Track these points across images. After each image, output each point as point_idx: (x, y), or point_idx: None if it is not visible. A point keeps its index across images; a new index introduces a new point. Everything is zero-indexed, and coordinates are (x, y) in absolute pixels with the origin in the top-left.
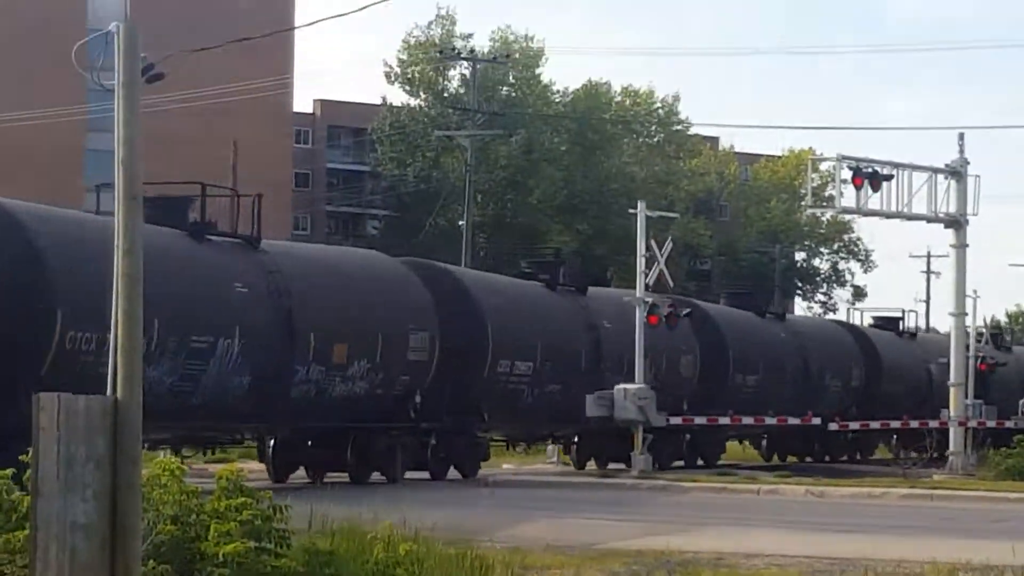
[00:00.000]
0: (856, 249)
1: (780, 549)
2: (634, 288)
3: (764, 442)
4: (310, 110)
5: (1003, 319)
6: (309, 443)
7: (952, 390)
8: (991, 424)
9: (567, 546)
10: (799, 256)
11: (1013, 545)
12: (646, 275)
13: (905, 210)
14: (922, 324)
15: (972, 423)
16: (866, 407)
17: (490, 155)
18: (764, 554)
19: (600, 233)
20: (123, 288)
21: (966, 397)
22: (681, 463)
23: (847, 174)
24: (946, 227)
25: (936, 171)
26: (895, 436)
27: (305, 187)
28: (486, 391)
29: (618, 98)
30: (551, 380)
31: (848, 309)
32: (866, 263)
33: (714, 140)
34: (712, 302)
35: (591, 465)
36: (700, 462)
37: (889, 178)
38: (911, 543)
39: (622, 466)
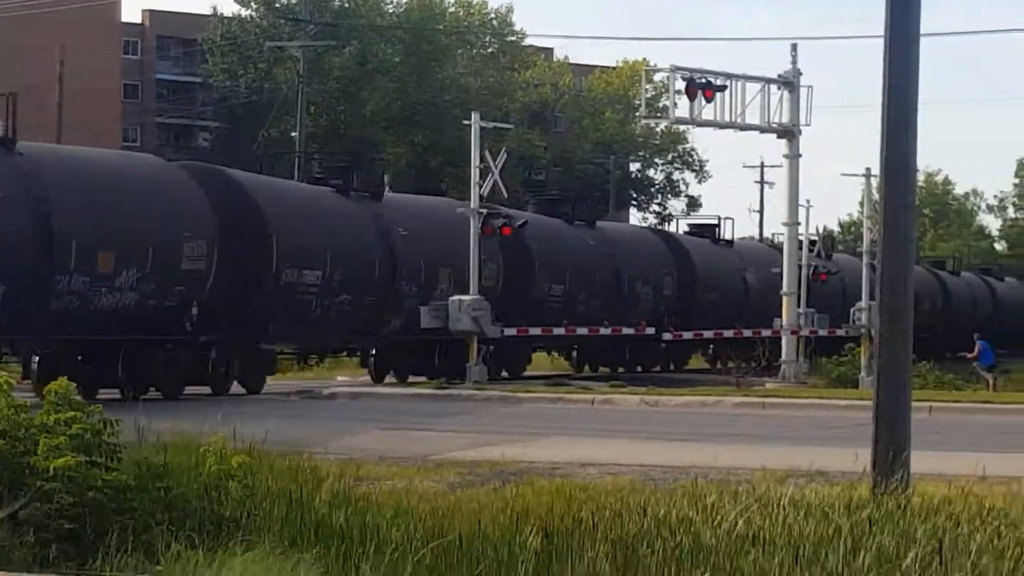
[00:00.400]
0: (691, 160)
1: (615, 458)
2: (469, 200)
3: (575, 353)
4: (139, 20)
5: (836, 229)
6: (79, 358)
7: (784, 299)
8: (823, 332)
9: (402, 457)
10: (634, 167)
11: (843, 451)
12: (480, 186)
13: (739, 120)
14: (754, 233)
15: (804, 332)
16: (681, 316)
17: (323, 66)
18: (599, 463)
19: (435, 145)
20: None
21: (798, 306)
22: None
23: (681, 85)
24: (779, 137)
25: (769, 81)
26: (711, 346)
27: (135, 98)
28: (271, 302)
29: (452, 8)
30: (342, 291)
31: (664, 219)
32: (700, 174)
33: (548, 51)
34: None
35: (390, 378)
36: (505, 374)
37: (723, 88)
38: (744, 450)
39: (423, 379)
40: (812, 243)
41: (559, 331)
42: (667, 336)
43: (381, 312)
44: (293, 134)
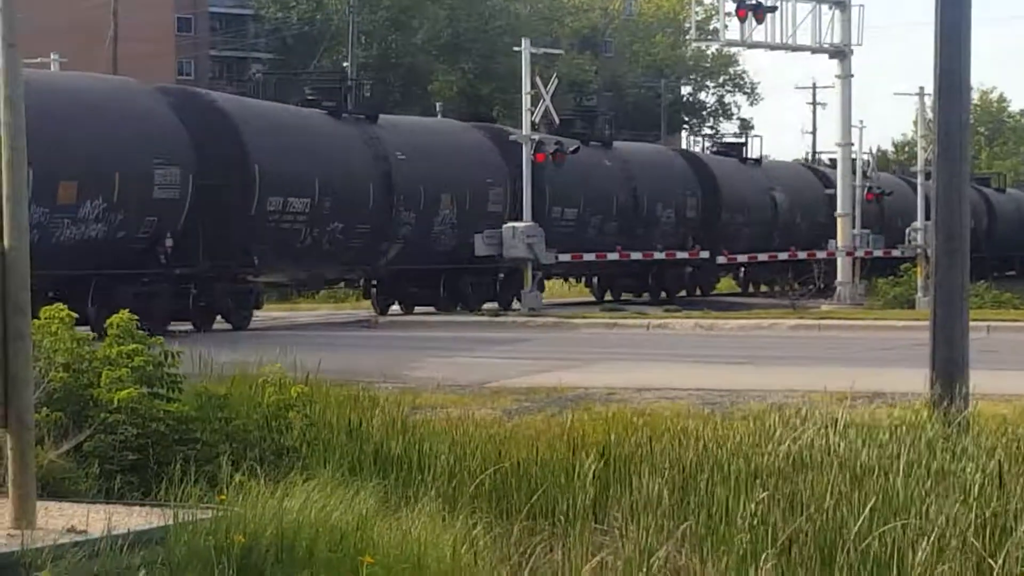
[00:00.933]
0: (742, 82)
1: (670, 383)
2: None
3: (595, 279)
4: None
5: (889, 149)
6: (49, 294)
7: (839, 220)
8: (878, 253)
9: (458, 385)
10: (685, 91)
11: (901, 372)
12: (532, 112)
13: (790, 42)
14: (804, 155)
15: (859, 252)
16: (704, 239)
17: None
18: (655, 387)
19: (485, 72)
20: (7, 138)
21: (853, 227)
22: (494, 304)
23: (731, 7)
24: (831, 58)
25: (820, 1)
26: (742, 270)
27: (188, 32)
28: (254, 232)
29: None
30: (333, 219)
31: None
32: (752, 96)
33: None
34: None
35: (395, 309)
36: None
37: (773, 9)
38: (801, 373)
39: (431, 310)
40: (865, 163)
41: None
42: (721, 259)
43: (377, 241)
44: (345, 64)
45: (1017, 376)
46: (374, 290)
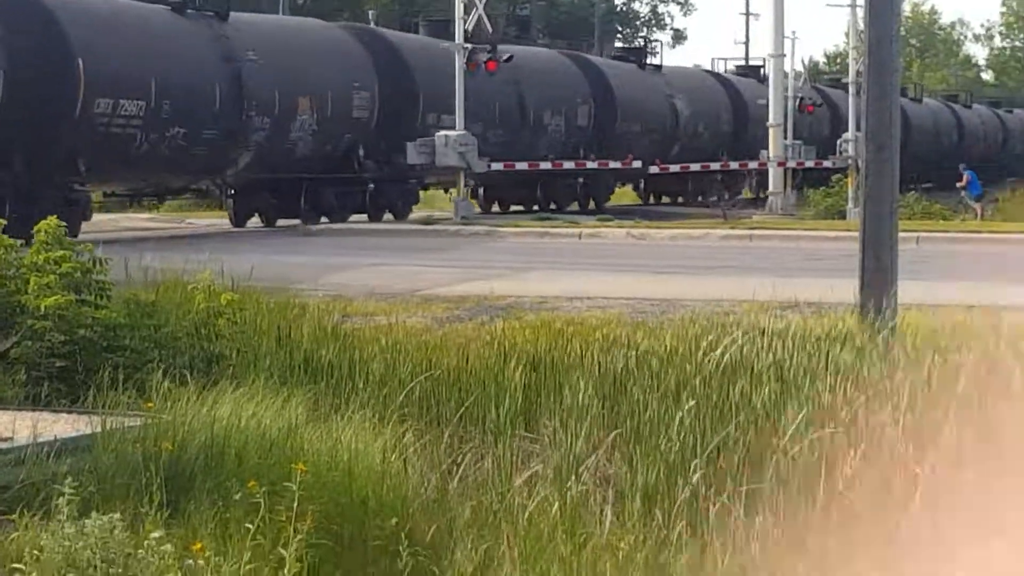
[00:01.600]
0: None
1: (602, 291)
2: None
3: (481, 190)
4: None
5: (821, 60)
6: None
7: (771, 131)
8: (809, 164)
9: (388, 293)
10: (618, 0)
11: (831, 282)
12: (465, 21)
13: None
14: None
15: (791, 163)
16: (598, 148)
17: None
18: (587, 296)
19: None
20: None
21: (785, 138)
22: (364, 216)
23: None
24: None
25: None
26: (642, 180)
27: None
28: (79, 137)
29: None
30: (173, 123)
31: (713, 60)
32: (686, 6)
33: None
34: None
35: (255, 221)
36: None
37: None
38: (732, 282)
39: (295, 222)
40: (798, 74)
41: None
42: (653, 169)
43: (226, 148)
44: None
45: (945, 286)
46: (231, 201)
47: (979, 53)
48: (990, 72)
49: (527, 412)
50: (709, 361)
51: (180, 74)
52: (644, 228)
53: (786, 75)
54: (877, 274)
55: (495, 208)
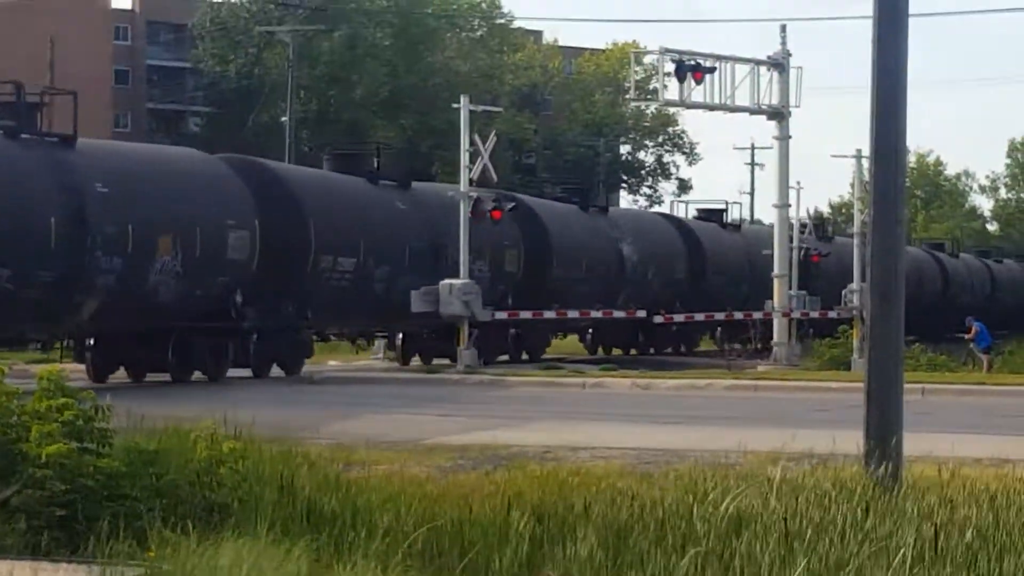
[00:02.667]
0: (681, 142)
1: (606, 442)
2: (459, 183)
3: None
4: (129, 5)
5: (826, 210)
6: None
7: (776, 281)
8: (814, 315)
9: (392, 442)
10: (624, 149)
11: (835, 433)
12: (470, 170)
13: (728, 102)
14: (746, 215)
15: (795, 314)
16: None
17: (312, 51)
18: (590, 447)
19: (425, 128)
20: None
21: (790, 288)
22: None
23: (670, 67)
24: (769, 119)
25: (759, 63)
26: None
27: (125, 84)
28: None
29: None
30: None
31: (672, 202)
32: (691, 156)
33: (537, 34)
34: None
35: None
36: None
37: (712, 70)
38: (735, 433)
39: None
40: (803, 225)
41: (549, 314)
42: (678, 318)
43: (67, 292)
44: (283, 119)
45: (950, 438)
46: (89, 353)
47: (984, 204)
48: (995, 223)
49: (531, 563)
50: (714, 513)
51: (5, 207)
52: (649, 378)
53: (790, 225)
54: (882, 426)
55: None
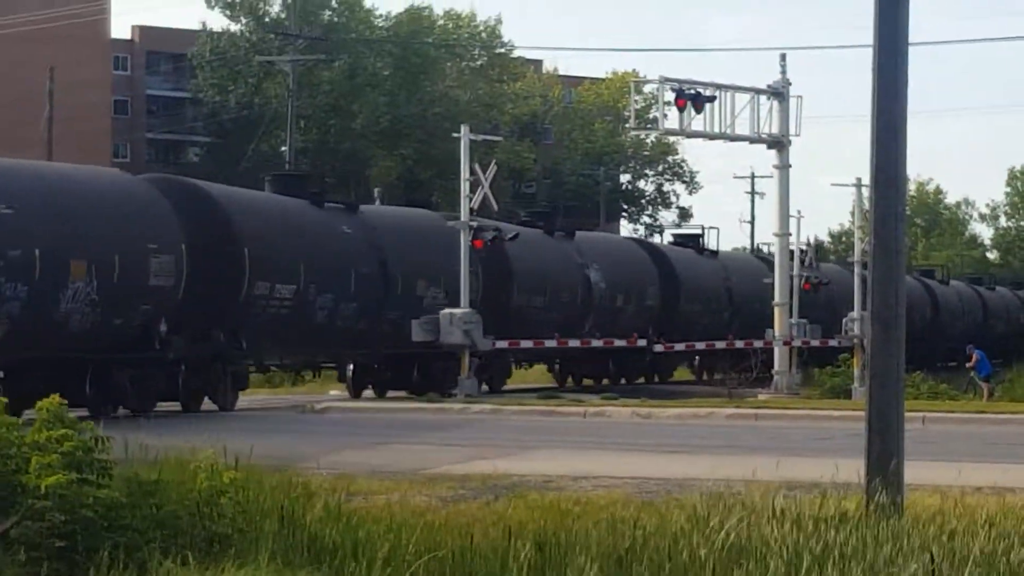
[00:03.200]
0: (681, 171)
1: (608, 471)
2: (459, 212)
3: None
4: (128, 36)
5: (826, 239)
6: None
7: (776, 310)
8: (815, 343)
9: (393, 472)
10: (624, 178)
11: (836, 462)
12: (470, 199)
13: (728, 131)
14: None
15: (796, 342)
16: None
17: (312, 80)
18: (592, 476)
19: (425, 158)
20: None
21: (790, 316)
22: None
23: (670, 96)
24: (769, 148)
25: (758, 92)
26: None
27: (125, 114)
28: None
29: (441, 21)
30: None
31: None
32: (691, 185)
33: (537, 63)
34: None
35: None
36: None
37: (712, 99)
38: (737, 462)
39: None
40: (803, 253)
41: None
42: (658, 348)
43: None
44: (283, 148)
45: (951, 467)
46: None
47: (984, 233)
48: (995, 252)
49: None
50: (716, 542)
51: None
52: (649, 407)
53: (791, 254)
54: (883, 455)
55: (569, 382)
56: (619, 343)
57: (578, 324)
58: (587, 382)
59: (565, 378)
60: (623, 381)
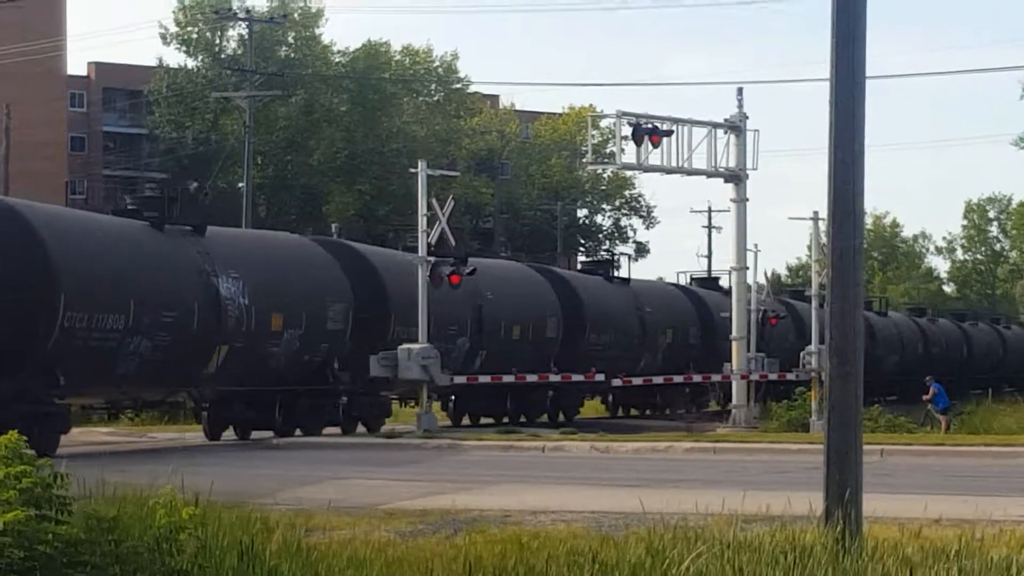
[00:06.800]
0: (638, 205)
1: (566, 505)
2: (416, 248)
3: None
4: (84, 72)
5: (784, 272)
6: None
7: (734, 344)
8: (773, 377)
9: (352, 507)
10: (581, 213)
11: (795, 495)
12: (428, 234)
13: (686, 165)
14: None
15: (754, 376)
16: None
17: (270, 116)
18: (550, 510)
19: (382, 193)
20: None
21: (748, 350)
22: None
23: (627, 130)
24: (726, 181)
25: (716, 126)
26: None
27: (81, 151)
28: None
29: (397, 57)
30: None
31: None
32: (648, 219)
33: (494, 98)
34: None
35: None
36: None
37: (669, 133)
38: (696, 495)
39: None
40: (759, 287)
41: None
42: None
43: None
44: (240, 185)
45: (909, 500)
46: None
47: (941, 266)
48: (952, 284)
49: None
50: (676, 575)
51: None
52: (608, 441)
53: (749, 288)
54: (842, 487)
55: (465, 420)
56: (599, 377)
57: (636, 361)
58: (485, 420)
59: (460, 417)
60: (522, 419)
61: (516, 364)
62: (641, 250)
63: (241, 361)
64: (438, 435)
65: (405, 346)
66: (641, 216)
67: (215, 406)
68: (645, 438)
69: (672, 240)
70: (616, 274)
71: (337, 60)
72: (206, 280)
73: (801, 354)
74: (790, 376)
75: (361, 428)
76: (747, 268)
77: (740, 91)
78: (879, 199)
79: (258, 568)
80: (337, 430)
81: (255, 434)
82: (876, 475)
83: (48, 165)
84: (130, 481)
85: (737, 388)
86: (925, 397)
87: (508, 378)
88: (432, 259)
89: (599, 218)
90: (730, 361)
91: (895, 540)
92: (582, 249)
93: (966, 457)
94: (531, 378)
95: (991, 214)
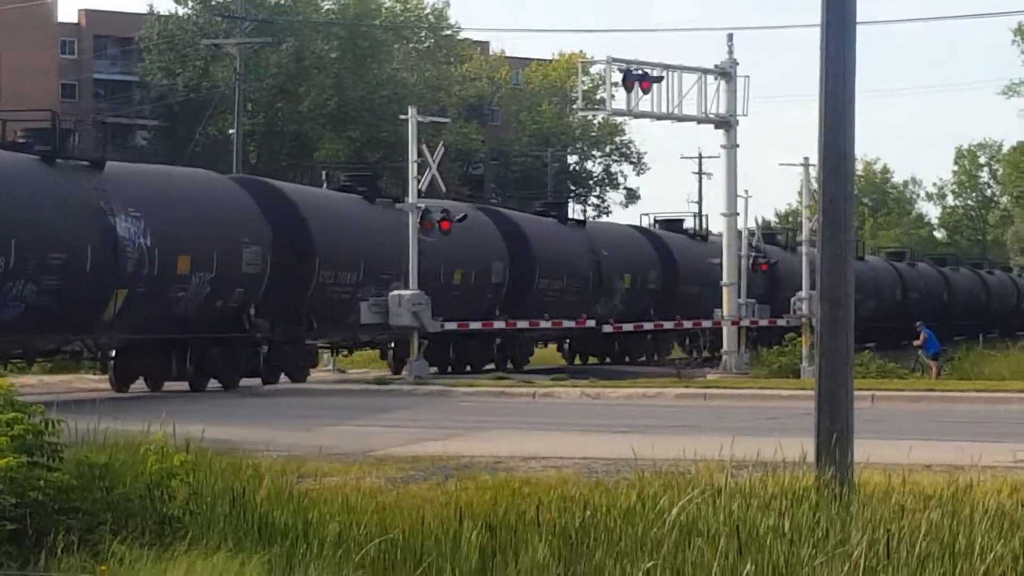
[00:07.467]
0: (628, 152)
1: (557, 451)
2: (407, 194)
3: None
4: (75, 20)
5: (773, 219)
6: None
7: (725, 290)
8: (764, 323)
9: (343, 453)
10: (571, 159)
11: (786, 441)
12: (418, 181)
13: (676, 112)
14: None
15: (745, 322)
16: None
17: (260, 63)
18: (541, 456)
19: (372, 140)
20: None
21: (739, 296)
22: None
23: (618, 76)
24: (716, 128)
25: (706, 72)
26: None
27: (72, 98)
28: None
29: (388, 4)
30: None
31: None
32: (639, 166)
33: (485, 45)
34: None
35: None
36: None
37: (659, 80)
38: (686, 441)
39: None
40: (751, 233)
41: (451, 325)
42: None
43: None
44: (231, 131)
45: (899, 445)
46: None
47: (931, 212)
48: (943, 231)
49: (483, 573)
50: (666, 520)
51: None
52: (599, 388)
53: (739, 233)
54: (833, 432)
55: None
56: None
57: (590, 306)
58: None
59: (400, 367)
60: (468, 368)
61: (458, 311)
62: (632, 196)
63: (143, 307)
64: (429, 381)
65: (396, 292)
66: (632, 162)
67: (121, 356)
68: (636, 384)
69: (663, 186)
70: (572, 216)
71: (327, 7)
72: (102, 219)
73: (792, 300)
74: (781, 322)
75: (284, 379)
76: (737, 214)
77: (730, 37)
78: (870, 145)
79: (249, 514)
80: (286, 379)
81: (168, 385)
82: (867, 421)
83: (40, 113)
84: (121, 428)
85: (728, 334)
86: (916, 343)
87: (450, 325)
88: (422, 204)
89: (589, 164)
90: (716, 308)
91: (886, 486)
92: (572, 195)
93: (957, 403)
94: (474, 325)
95: (982, 160)
